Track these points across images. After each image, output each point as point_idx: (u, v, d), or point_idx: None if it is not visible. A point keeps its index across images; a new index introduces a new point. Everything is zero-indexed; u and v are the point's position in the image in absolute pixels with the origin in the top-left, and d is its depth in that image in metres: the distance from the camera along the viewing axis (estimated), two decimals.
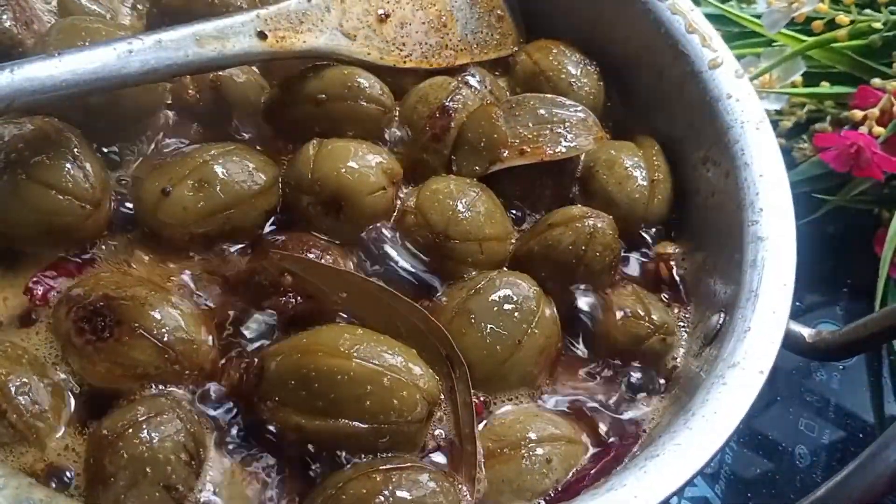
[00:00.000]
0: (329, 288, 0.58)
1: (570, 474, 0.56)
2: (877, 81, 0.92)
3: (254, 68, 0.71)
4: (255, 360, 0.56)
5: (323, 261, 0.60)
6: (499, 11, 0.81)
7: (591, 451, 0.59)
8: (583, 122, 0.71)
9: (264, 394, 0.54)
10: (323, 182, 0.63)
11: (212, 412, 0.55)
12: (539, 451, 0.56)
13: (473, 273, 0.64)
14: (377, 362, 0.53)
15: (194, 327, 0.56)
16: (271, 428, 0.54)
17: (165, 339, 0.55)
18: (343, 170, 0.63)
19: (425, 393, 0.53)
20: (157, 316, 0.55)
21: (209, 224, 0.62)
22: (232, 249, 0.63)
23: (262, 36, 0.65)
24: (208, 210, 0.61)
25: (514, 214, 0.70)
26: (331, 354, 0.53)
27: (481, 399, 0.59)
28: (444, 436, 0.56)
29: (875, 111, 0.90)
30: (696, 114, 0.73)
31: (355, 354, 0.52)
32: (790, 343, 0.61)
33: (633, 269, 0.70)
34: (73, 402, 0.55)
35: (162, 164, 0.64)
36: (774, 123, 0.72)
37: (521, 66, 0.79)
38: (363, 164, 0.64)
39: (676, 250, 0.71)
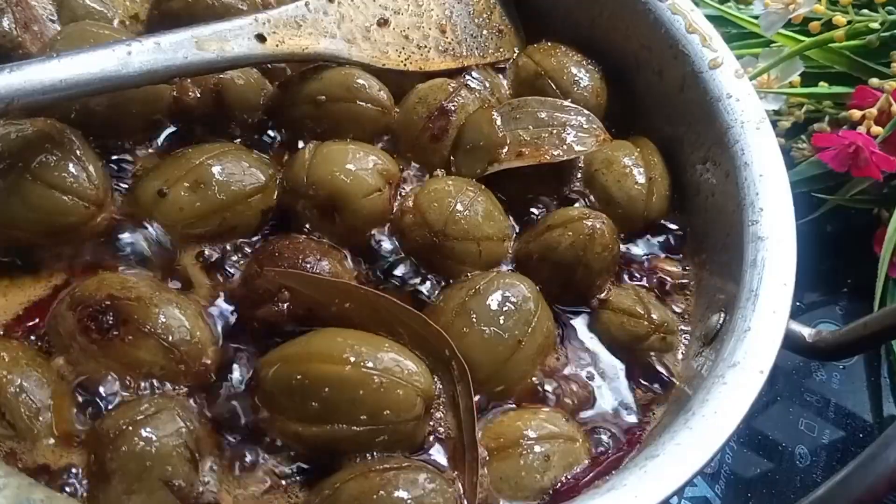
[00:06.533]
0: (327, 300, 0.58)
1: (570, 473, 0.56)
2: (875, 81, 0.92)
3: (254, 70, 0.71)
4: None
5: (318, 267, 0.60)
6: (497, 16, 0.81)
7: (591, 450, 0.58)
8: (584, 126, 0.71)
9: (260, 403, 0.54)
10: (318, 185, 0.63)
11: (213, 411, 0.55)
12: (538, 448, 0.56)
13: (472, 273, 0.64)
14: (370, 364, 0.53)
15: (198, 328, 0.57)
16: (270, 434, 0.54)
17: (171, 338, 0.55)
18: (338, 173, 0.63)
19: (420, 390, 0.53)
20: (163, 316, 0.55)
21: (205, 224, 0.62)
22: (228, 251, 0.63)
23: (261, 39, 0.65)
24: (204, 211, 0.61)
25: (514, 215, 0.69)
26: (323, 361, 0.53)
27: (481, 399, 0.59)
28: (444, 435, 0.56)
29: (873, 111, 0.90)
30: (696, 114, 0.73)
31: (348, 359, 0.53)
32: (790, 343, 0.61)
33: (633, 268, 0.70)
34: (73, 400, 0.54)
35: (158, 165, 0.64)
36: (773, 123, 0.72)
37: (524, 68, 0.78)
38: (359, 166, 0.64)
39: (676, 269, 0.71)
